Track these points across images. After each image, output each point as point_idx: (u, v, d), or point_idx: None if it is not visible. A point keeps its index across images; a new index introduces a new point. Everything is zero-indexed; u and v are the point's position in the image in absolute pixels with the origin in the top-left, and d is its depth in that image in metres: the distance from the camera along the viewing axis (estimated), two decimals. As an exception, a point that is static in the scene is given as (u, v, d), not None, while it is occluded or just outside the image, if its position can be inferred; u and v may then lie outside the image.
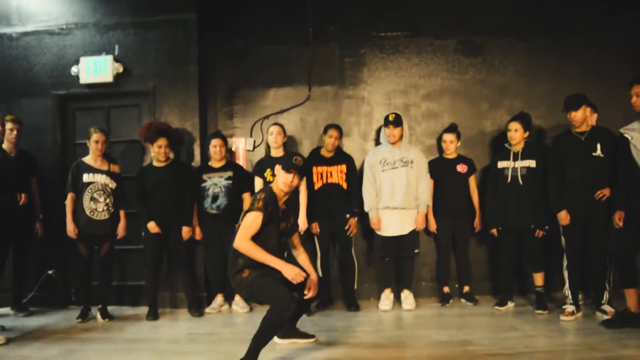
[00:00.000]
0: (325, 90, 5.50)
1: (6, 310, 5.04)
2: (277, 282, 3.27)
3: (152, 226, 4.75)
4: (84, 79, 5.37)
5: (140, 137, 5.01)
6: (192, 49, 5.32)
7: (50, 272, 5.34)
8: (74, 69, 5.38)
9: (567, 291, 4.35)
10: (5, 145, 4.75)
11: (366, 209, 4.86)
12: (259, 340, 3.15)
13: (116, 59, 5.34)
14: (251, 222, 3.34)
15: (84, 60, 5.35)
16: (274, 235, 3.48)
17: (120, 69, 5.35)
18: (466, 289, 5.06)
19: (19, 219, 4.62)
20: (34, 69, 5.52)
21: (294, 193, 3.78)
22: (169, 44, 5.36)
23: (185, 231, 4.84)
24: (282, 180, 3.47)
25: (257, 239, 3.34)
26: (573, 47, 5.34)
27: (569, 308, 4.25)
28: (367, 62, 5.49)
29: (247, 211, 3.41)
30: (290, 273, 3.26)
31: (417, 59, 5.46)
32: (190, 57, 5.32)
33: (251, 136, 5.53)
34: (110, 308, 4.93)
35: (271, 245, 3.43)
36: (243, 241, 3.31)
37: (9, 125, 4.80)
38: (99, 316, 4.78)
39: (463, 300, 5.03)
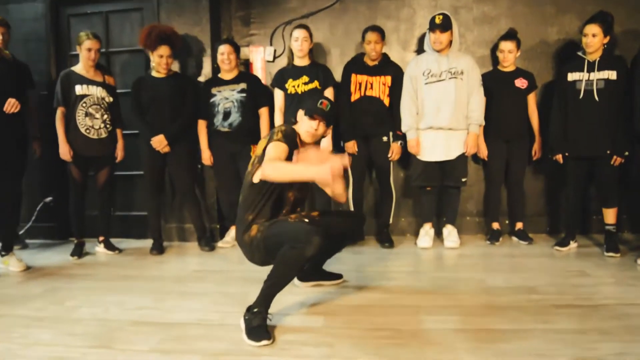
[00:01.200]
0: (358, -10, 4.62)
1: None
2: (295, 221, 2.56)
3: (159, 140, 4.08)
4: (77, -23, 4.63)
5: (139, 44, 4.24)
6: (201, -62, 4.48)
7: (47, 199, 4.81)
8: (66, -35, 4.65)
9: (649, 230, 3.60)
10: None
11: (404, 129, 4.10)
12: (274, 284, 2.43)
13: (113, -48, 4.57)
14: (274, 150, 2.52)
15: (77, -47, 4.60)
16: (294, 184, 2.72)
17: (119, -36, 4.59)
18: (519, 225, 4.33)
19: (12, 136, 3.85)
20: (23, -33, 4.78)
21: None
22: None
23: (157, 140, 4.09)
24: (305, 128, 2.74)
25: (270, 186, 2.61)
26: None
27: (651, 250, 3.52)
28: (409, -46, 4.57)
29: (265, 147, 2.61)
30: (327, 169, 2.24)
31: (470, -49, 4.51)
32: (198, -50, 4.49)
33: (271, 45, 4.74)
34: (114, 240, 4.41)
35: (288, 197, 2.74)
36: (268, 165, 2.47)
37: None
38: (101, 248, 4.28)
39: (515, 239, 4.32)
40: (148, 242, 4.40)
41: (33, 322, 2.63)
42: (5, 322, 2.64)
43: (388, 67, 4.19)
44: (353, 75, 4.17)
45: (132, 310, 2.78)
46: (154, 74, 4.20)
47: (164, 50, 4.09)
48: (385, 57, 4.23)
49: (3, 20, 4.11)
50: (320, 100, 2.75)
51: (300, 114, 2.80)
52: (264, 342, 2.27)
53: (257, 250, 2.63)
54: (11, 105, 3.63)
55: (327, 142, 4.00)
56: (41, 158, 4.40)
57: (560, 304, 2.71)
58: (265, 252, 2.58)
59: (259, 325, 2.34)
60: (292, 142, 2.63)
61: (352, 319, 2.59)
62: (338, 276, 3.21)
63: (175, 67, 4.47)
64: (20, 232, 4.65)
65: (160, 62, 4.10)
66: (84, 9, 4.83)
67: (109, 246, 4.30)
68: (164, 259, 4.09)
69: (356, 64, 4.23)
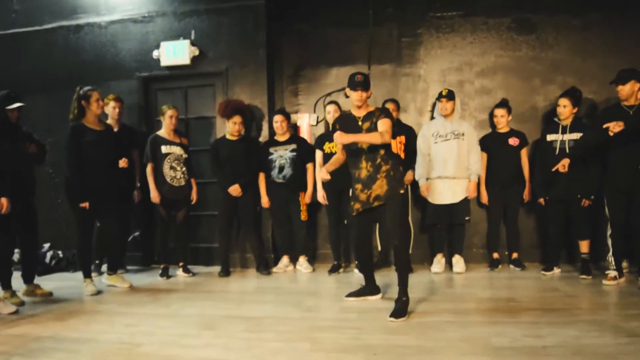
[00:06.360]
0: (383, 68, 5.87)
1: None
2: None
3: (235, 188, 5.29)
4: (164, 62, 5.98)
5: (217, 113, 5.54)
6: (260, 33, 5.81)
7: (135, 234, 6.03)
8: (155, 53, 6.01)
9: (610, 258, 4.58)
10: (109, 122, 5.25)
11: (417, 177, 5.24)
12: None
13: (192, 43, 5.92)
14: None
15: (164, 45, 5.96)
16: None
17: (196, 52, 5.92)
18: (515, 255, 5.35)
19: (122, 187, 5.09)
20: (121, 54, 6.18)
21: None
22: (240, 29, 5.86)
23: (234, 189, 5.29)
24: (354, 98, 3.78)
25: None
26: (627, 21, 5.40)
27: (612, 273, 4.48)
28: (424, 41, 5.81)
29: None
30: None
31: (472, 38, 5.72)
32: (259, 41, 5.82)
33: (314, 112, 6.01)
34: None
35: (355, 149, 3.79)
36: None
37: (112, 104, 5.39)
38: (180, 272, 5.43)
39: (511, 266, 5.33)
40: (213, 268, 5.64)
41: (155, 316, 3.80)
42: (134, 317, 3.78)
43: (402, 129, 5.36)
44: None
45: (222, 310, 3.94)
46: (228, 136, 5.46)
47: (237, 118, 5.37)
48: (399, 122, 5.41)
49: (119, 97, 5.46)
50: (356, 75, 3.77)
51: (348, 90, 3.83)
52: None
53: None
54: (125, 162, 5.06)
55: None
56: (139, 202, 5.65)
57: (528, 307, 3.75)
58: None
59: None
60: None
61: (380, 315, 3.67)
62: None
63: (243, 132, 5.67)
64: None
65: (234, 127, 5.37)
66: (168, 85, 6.19)
67: (186, 270, 5.46)
68: (231, 279, 5.29)
69: None
